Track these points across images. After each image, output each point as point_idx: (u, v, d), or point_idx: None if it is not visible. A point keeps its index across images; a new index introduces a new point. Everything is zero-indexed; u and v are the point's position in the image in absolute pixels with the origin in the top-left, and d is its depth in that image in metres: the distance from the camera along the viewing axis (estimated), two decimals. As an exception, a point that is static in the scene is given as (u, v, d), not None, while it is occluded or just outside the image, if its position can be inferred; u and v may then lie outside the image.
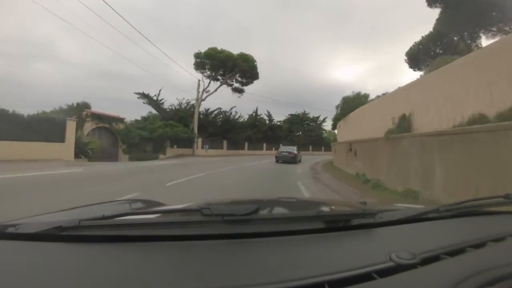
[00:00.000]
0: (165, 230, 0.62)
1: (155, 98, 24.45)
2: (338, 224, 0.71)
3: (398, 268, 0.50)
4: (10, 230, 0.62)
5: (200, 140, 24.96)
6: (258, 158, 21.13)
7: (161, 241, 0.59)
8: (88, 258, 0.53)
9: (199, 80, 25.46)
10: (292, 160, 15.49)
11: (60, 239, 0.57)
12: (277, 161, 15.69)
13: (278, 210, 1.19)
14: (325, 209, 1.15)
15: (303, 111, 44.32)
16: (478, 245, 0.62)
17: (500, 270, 0.48)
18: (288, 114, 44.26)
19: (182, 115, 25.10)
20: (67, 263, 0.52)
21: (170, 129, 20.26)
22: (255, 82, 27.97)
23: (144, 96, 24.16)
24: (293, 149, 16.62)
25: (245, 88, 28.28)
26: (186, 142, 22.96)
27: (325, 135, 46.91)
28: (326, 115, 45.60)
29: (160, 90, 26.43)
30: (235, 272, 0.49)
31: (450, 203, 0.87)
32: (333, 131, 51.73)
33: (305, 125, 43.85)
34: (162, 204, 1.12)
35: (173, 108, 26.34)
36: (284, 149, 16.85)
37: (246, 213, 0.63)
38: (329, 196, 5.46)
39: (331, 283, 0.45)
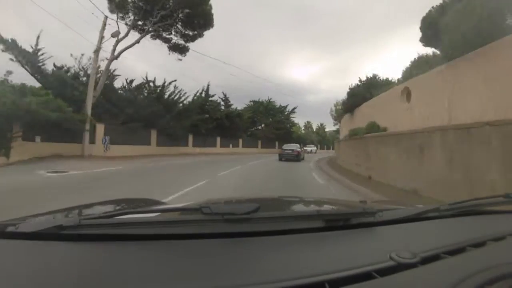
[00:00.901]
0: (165, 229, 0.62)
1: (31, 52, 12.18)
2: (339, 223, 0.70)
3: (399, 267, 0.50)
4: (10, 229, 0.61)
5: (103, 128, 13.63)
6: (213, 165, 11.21)
7: (161, 239, 0.59)
8: (88, 257, 0.53)
9: (106, 17, 13.19)
10: (296, 158, 15.72)
11: (61, 238, 0.57)
12: (280, 159, 15.76)
13: (279, 209, 1.14)
14: (326, 208, 1.14)
15: (268, 98, 34.51)
16: (478, 244, 0.63)
17: (500, 269, 0.48)
18: (250, 101, 34.43)
19: (69, 82, 13.40)
20: (68, 262, 0.52)
21: (15, 101, 8.86)
22: (207, 35, 15.80)
23: (6, 45, 11.09)
24: (296, 147, 16.97)
25: (191, 45, 16.28)
26: (70, 133, 11.75)
27: (293, 129, 39.11)
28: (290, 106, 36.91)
29: (38, 37, 12.44)
30: (235, 271, 0.49)
31: (450, 202, 0.87)
32: (299, 125, 45.28)
33: (270, 116, 34.35)
34: (163, 203, 1.08)
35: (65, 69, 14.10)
36: (287, 147, 17.05)
37: (246, 212, 0.61)
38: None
39: (332, 282, 0.45)
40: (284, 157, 15.84)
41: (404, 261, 0.51)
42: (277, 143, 32.33)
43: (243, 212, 0.61)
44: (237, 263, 0.53)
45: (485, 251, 0.61)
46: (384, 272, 0.48)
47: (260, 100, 34.15)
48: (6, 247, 0.57)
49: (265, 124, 33.69)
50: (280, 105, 35.31)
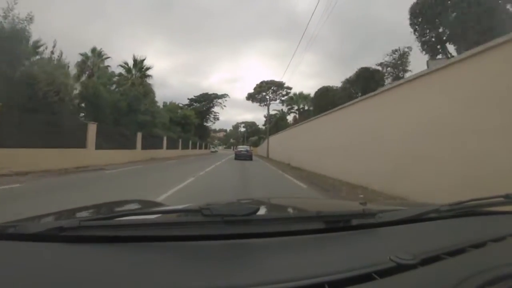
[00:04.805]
0: (165, 231, 0.62)
1: None
2: (338, 224, 0.71)
3: (399, 269, 0.50)
4: (10, 230, 0.61)
5: None
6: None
7: (161, 241, 0.60)
8: (88, 259, 0.53)
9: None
10: (249, 157, 18.94)
11: (61, 240, 0.57)
12: (235, 158, 18.73)
13: (278, 211, 1.16)
14: (325, 209, 1.13)
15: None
16: (479, 245, 0.63)
17: (500, 270, 0.48)
18: None
19: None
20: (68, 263, 0.52)
21: None
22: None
23: None
24: (248, 148, 21.27)
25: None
26: None
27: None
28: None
29: None
30: (235, 273, 0.50)
31: (451, 203, 0.87)
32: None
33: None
34: (162, 205, 1.11)
35: None
36: (241, 148, 21.20)
37: (246, 213, 0.62)
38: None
39: (331, 284, 0.45)
40: (238, 157, 18.89)
41: (404, 262, 0.51)
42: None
43: (243, 213, 0.61)
44: (237, 264, 0.53)
45: (485, 252, 0.61)
46: (384, 273, 0.48)
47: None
48: (6, 248, 0.57)
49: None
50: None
